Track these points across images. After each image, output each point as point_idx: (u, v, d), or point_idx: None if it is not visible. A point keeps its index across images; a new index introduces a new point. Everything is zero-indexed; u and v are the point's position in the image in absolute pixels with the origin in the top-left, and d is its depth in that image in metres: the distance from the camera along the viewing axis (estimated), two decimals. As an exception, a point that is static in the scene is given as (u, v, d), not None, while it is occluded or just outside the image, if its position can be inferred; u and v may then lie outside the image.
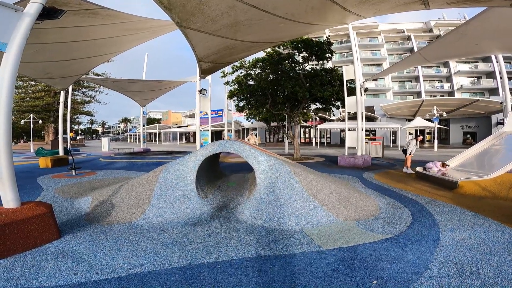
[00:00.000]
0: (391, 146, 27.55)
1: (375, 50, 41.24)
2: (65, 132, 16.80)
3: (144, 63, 18.06)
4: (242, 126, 36.48)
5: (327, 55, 12.56)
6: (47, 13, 3.56)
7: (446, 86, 38.10)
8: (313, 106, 16.87)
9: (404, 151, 8.95)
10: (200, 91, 10.75)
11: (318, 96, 12.07)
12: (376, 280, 2.37)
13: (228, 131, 21.77)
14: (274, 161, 4.82)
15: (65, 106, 13.42)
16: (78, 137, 41.39)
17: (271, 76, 12.96)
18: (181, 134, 43.63)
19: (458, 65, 37.12)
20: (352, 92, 11.59)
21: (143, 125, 20.65)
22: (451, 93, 37.33)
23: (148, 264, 2.68)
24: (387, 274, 2.46)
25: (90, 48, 8.18)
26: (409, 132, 30.86)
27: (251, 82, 13.36)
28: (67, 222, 3.86)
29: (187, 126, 43.61)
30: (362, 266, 2.62)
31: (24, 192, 5.72)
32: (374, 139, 15.58)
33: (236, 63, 12.44)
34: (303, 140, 36.32)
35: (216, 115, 34.34)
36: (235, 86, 13.65)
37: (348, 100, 10.97)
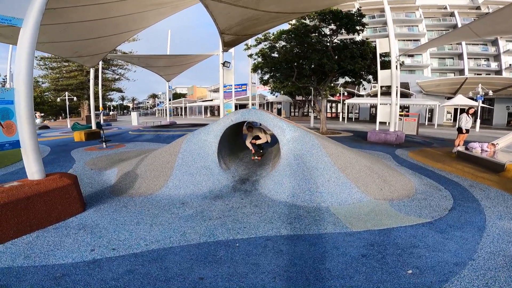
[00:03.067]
0: (426, 124, 25.71)
1: (412, 26, 38.38)
2: (97, 108, 17.56)
3: (167, 40, 17.90)
4: (266, 100, 35.90)
5: (358, 27, 11.52)
6: None
7: (493, 65, 34.69)
8: (341, 80, 15.91)
9: (460, 129, 8.03)
10: (223, 64, 10.43)
11: (348, 69, 11.26)
12: (412, 270, 2.11)
13: (252, 104, 21.44)
14: (300, 131, 4.54)
15: (96, 84, 13.85)
16: (111, 113, 43.38)
17: (297, 48, 12.18)
18: (206, 107, 44.13)
19: (508, 44, 33.45)
20: (386, 66, 10.62)
21: (169, 100, 20.99)
22: (498, 72, 34.01)
23: (164, 240, 2.64)
24: (424, 263, 2.19)
25: (114, 25, 8.17)
26: (447, 111, 28.51)
27: (275, 55, 12.72)
28: (93, 195, 3.96)
29: (211, 100, 43.83)
30: (396, 252, 2.36)
31: (57, 165, 6.01)
32: (408, 115, 14.46)
33: (260, 36, 11.84)
34: (329, 115, 35.09)
35: (240, 89, 33.91)
36: (259, 59, 13.10)
37: (381, 73, 10.06)
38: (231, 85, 13.11)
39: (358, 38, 13.02)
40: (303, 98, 15.22)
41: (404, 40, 37.86)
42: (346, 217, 3.13)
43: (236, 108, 36.02)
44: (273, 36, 12.21)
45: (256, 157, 5.56)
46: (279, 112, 34.85)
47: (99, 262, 2.28)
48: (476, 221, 2.99)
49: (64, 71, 34.97)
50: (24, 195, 2.72)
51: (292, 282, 2.00)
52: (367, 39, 12.96)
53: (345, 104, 27.94)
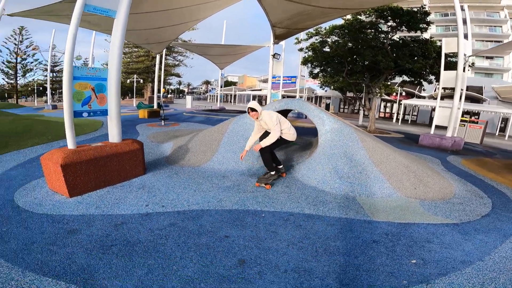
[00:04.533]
0: (496, 134, 22.60)
1: (494, 26, 33.39)
2: (159, 91, 19.48)
3: (223, 30, 18.83)
4: (315, 94, 35.20)
5: (421, 25, 10.69)
6: None
7: None
8: (398, 79, 14.94)
9: None
10: (274, 55, 10.74)
11: (406, 68, 10.61)
12: (416, 260, 2.28)
13: (300, 97, 21.39)
14: (339, 124, 4.71)
15: (160, 69, 15.42)
16: (169, 95, 47.22)
17: (350, 44, 11.84)
18: (254, 96, 45.05)
19: None
20: (452, 66, 9.73)
21: (221, 86, 22.16)
22: None
23: (203, 204, 3.18)
24: (431, 256, 2.33)
25: (177, 16, 9.13)
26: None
27: (327, 49, 12.54)
28: (152, 162, 4.75)
29: (260, 89, 44.51)
30: (407, 243, 2.52)
31: (125, 136, 7.12)
32: (475, 122, 13.03)
33: (311, 30, 11.80)
34: (382, 115, 32.94)
35: (290, 81, 33.79)
36: (310, 53, 13.06)
37: (444, 74, 9.26)
38: (280, 77, 13.39)
39: (425, 35, 12.08)
40: (354, 95, 14.74)
41: (483, 41, 33.36)
42: (370, 208, 3.31)
43: (284, 100, 36.04)
44: (325, 31, 12.05)
45: (263, 184, 3.81)
46: (327, 107, 33.95)
47: (150, 215, 2.87)
48: (505, 229, 2.92)
49: (134, 56, 39.11)
50: (106, 153, 3.50)
51: (302, 251, 2.34)
52: (431, 38, 11.93)
53: (401, 104, 25.98)
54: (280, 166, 4.18)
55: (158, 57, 14.64)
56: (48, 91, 22.67)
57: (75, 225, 2.60)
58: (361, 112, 18.27)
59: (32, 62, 42.05)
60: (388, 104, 33.14)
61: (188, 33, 36.70)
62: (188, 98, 24.81)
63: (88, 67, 3.62)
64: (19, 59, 40.11)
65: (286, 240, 2.50)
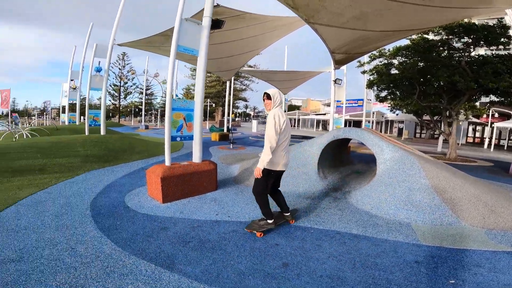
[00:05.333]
0: None
1: None
2: (228, 114, 21.49)
3: (285, 55, 19.97)
4: (385, 118, 33.05)
5: (502, 39, 9.56)
6: (214, 25, 5.03)
7: None
8: (486, 99, 13.22)
9: None
10: (335, 81, 10.99)
11: (491, 87, 9.49)
12: (455, 280, 2.29)
13: (367, 121, 20.57)
14: (400, 152, 4.72)
15: (229, 94, 17.24)
16: (236, 119, 50.93)
17: (421, 64, 11.22)
18: (318, 121, 44.70)
19: None
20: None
21: (285, 111, 23.09)
22: None
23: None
24: (473, 279, 2.30)
25: (245, 45, 10.36)
26: None
27: (394, 71, 12.11)
28: (222, 180, 5.54)
29: (324, 114, 44.06)
30: (452, 266, 2.52)
31: (221, 153, 8.31)
32: None
33: (374, 52, 11.66)
34: (470, 140, 28.61)
35: (356, 104, 32.69)
36: (374, 76, 12.79)
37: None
38: (343, 102, 13.41)
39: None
40: (431, 119, 13.58)
41: None
42: (423, 233, 3.30)
43: (349, 124, 34.72)
44: (389, 53, 11.74)
45: (254, 231, 3.17)
46: (400, 132, 31.33)
47: (219, 222, 3.53)
48: None
49: (207, 81, 44.09)
50: (190, 171, 4.45)
51: (341, 263, 2.60)
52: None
53: (493, 127, 22.30)
54: (287, 214, 3.45)
55: (228, 82, 16.45)
56: (143, 113, 27.31)
57: (165, 224, 3.42)
58: (441, 137, 16.49)
59: (131, 86, 51.01)
60: (478, 128, 28.74)
61: (253, 58, 39.76)
62: (254, 122, 26.47)
63: (181, 100, 4.73)
64: (122, 83, 48.97)
65: (328, 253, 2.80)
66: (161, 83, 33.08)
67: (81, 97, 20.25)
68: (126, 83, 50.33)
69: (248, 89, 45.96)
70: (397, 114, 25.47)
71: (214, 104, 37.95)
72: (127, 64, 48.89)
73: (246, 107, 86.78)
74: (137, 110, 52.76)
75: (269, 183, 3.19)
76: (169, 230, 3.22)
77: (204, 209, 3.99)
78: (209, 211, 3.92)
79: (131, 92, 52.07)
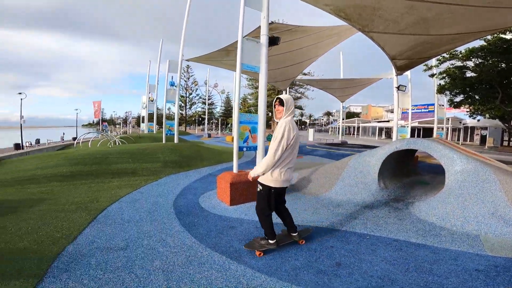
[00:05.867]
0: None
1: None
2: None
3: (340, 61, 19.50)
4: (464, 124, 29.18)
5: None
6: (271, 41, 5.41)
7: None
8: None
9: None
10: (398, 88, 10.41)
11: None
12: None
13: (440, 128, 18.59)
14: (474, 164, 4.41)
15: None
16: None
17: (502, 65, 9.87)
18: (380, 129, 41.75)
19: None
20: None
21: (342, 119, 22.43)
22: None
23: (317, 222, 3.97)
24: None
25: (298, 55, 10.71)
26: None
27: (470, 74, 10.88)
28: (282, 186, 5.94)
29: (388, 121, 40.99)
30: None
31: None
32: None
33: (444, 54, 10.64)
34: None
35: (426, 110, 29.51)
36: (446, 79, 11.65)
37: None
38: (408, 109, 12.52)
39: None
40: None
41: None
42: (492, 245, 3.11)
43: (417, 132, 31.54)
44: (461, 55, 10.59)
45: (254, 249, 2.96)
46: (483, 140, 27.29)
47: (278, 224, 3.69)
48: None
49: (262, 90, 45.44)
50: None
51: (394, 266, 2.70)
52: None
53: None
54: (295, 234, 3.14)
55: (284, 92, 16.92)
56: (205, 122, 29.69)
57: (233, 223, 3.94)
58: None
59: (195, 96, 55.73)
60: None
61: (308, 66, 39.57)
62: (310, 131, 26.32)
63: (247, 114, 5.33)
64: (187, 94, 53.85)
65: (382, 257, 2.92)
66: (220, 93, 35.59)
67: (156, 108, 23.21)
68: (190, 94, 55.25)
69: (304, 97, 45.80)
70: (478, 120, 22.41)
71: (270, 113, 39.00)
72: (191, 76, 53.78)
73: (302, 115, 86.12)
74: (200, 119, 57.22)
75: (271, 201, 2.90)
76: (236, 228, 3.72)
77: (252, 215, 4.34)
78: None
79: (195, 103, 56.89)
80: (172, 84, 13.16)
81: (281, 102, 2.82)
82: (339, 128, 26.79)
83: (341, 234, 3.55)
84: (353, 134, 49.21)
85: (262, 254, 2.94)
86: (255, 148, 5.34)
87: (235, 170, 5.03)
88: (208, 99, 49.32)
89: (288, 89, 19.83)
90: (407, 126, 13.89)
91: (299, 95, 45.44)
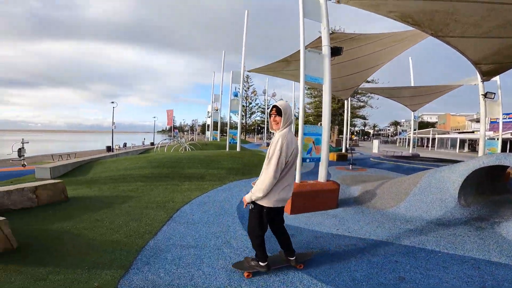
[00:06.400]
0: None
1: None
2: (347, 133, 20.99)
3: (409, 67, 17.75)
4: None
5: None
6: (334, 52, 5.37)
7: None
8: None
9: None
10: (485, 95, 9.02)
11: None
12: None
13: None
14: None
15: (347, 114, 16.97)
16: (354, 138, 48.45)
17: None
18: (462, 141, 36.35)
19: None
20: None
21: (414, 130, 20.32)
22: None
23: (382, 236, 3.79)
24: None
25: (361, 64, 10.24)
26: None
27: None
28: (342, 200, 5.76)
29: (472, 132, 35.46)
30: None
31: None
32: None
33: None
34: None
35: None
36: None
37: None
38: (498, 119, 10.69)
39: None
40: None
41: None
42: None
43: (507, 146, 26.56)
44: None
45: (243, 270, 2.71)
46: None
47: (338, 236, 3.81)
48: None
49: (321, 100, 44.31)
50: (316, 189, 5.02)
51: (467, 284, 2.48)
52: None
53: None
54: (292, 258, 2.80)
55: (346, 102, 16.22)
56: (264, 131, 30.35)
57: (292, 232, 4.00)
58: None
59: (254, 106, 57.60)
60: None
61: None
62: (375, 142, 24.58)
63: (311, 126, 5.45)
64: (247, 103, 55.99)
65: (455, 274, 2.67)
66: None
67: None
68: (250, 103, 57.39)
69: (367, 106, 43.07)
70: None
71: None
72: (251, 86, 55.85)
73: (365, 125, 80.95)
74: (258, 128, 58.82)
75: (263, 221, 2.56)
76: (296, 237, 3.79)
77: (325, 223, 4.39)
78: (330, 225, 4.28)
79: (254, 112, 58.84)
80: (236, 95, 14.02)
81: (279, 111, 2.43)
82: (409, 139, 24.35)
83: (407, 250, 3.36)
84: (427, 146, 44.00)
85: (250, 275, 2.67)
86: (318, 160, 5.37)
87: (297, 180, 5.13)
88: (267, 108, 50.37)
89: (349, 98, 19.05)
90: (497, 138, 11.82)
91: (361, 104, 43.00)
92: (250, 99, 56.16)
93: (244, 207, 2.65)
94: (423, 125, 51.84)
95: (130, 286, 2.44)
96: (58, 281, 2.45)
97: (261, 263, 2.65)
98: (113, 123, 23.79)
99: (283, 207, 2.64)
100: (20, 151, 12.07)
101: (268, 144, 27.92)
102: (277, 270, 2.78)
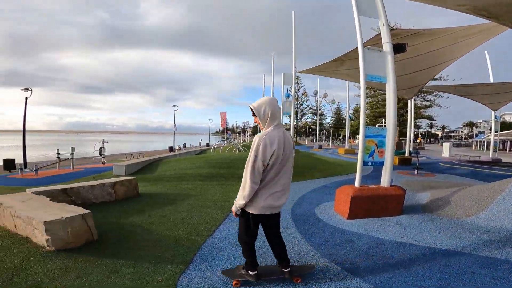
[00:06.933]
0: None
1: None
2: (406, 135, 19.12)
3: (487, 62, 15.19)
4: None
5: None
6: (397, 49, 4.99)
7: None
8: None
9: None
10: None
11: None
12: None
13: None
14: None
15: (407, 111, 15.46)
16: (418, 140, 43.81)
17: None
18: None
19: None
20: None
21: (495, 131, 17.47)
22: None
23: (457, 247, 3.41)
24: None
25: (425, 61, 9.21)
26: None
27: None
28: (407, 206, 5.26)
29: None
30: None
31: (379, 181, 8.13)
32: None
33: None
34: None
35: None
36: None
37: None
38: None
39: None
40: None
41: None
42: None
43: None
44: None
45: (231, 277, 2.58)
46: None
47: (404, 244, 3.52)
48: None
49: (380, 99, 40.91)
50: (378, 194, 4.71)
51: None
52: None
53: None
54: (286, 270, 2.50)
55: (409, 101, 14.74)
56: (316, 133, 29.54)
57: (351, 237, 3.81)
58: None
59: (305, 107, 56.40)
60: None
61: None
62: (446, 145, 21.80)
63: (373, 127, 5.13)
64: (297, 105, 55.01)
65: None
66: (330, 103, 34.72)
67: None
68: (301, 104, 56.40)
69: (434, 105, 38.30)
70: None
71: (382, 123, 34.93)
72: (301, 87, 54.67)
73: (431, 126, 72.53)
74: (310, 130, 57.56)
75: (250, 228, 2.36)
76: (354, 242, 3.59)
77: (388, 230, 4.08)
78: (393, 232, 3.97)
79: (305, 113, 57.69)
80: (288, 96, 13.95)
81: (253, 111, 2.24)
82: (488, 142, 21.00)
83: (487, 261, 2.99)
84: (510, 150, 37.45)
85: (238, 284, 2.47)
86: (381, 163, 5.01)
87: (357, 184, 4.87)
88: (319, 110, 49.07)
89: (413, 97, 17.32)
90: None
91: (427, 103, 38.49)
92: (301, 100, 55.19)
93: (234, 215, 2.41)
94: (505, 125, 44.11)
95: (189, 282, 2.52)
96: (128, 275, 2.62)
97: (250, 272, 2.44)
98: (175, 125, 25.94)
99: (277, 213, 2.41)
100: (101, 150, 13.98)
101: (320, 147, 27.02)
102: (334, 275, 2.68)
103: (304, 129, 61.98)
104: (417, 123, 44.93)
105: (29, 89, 12.59)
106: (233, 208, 2.32)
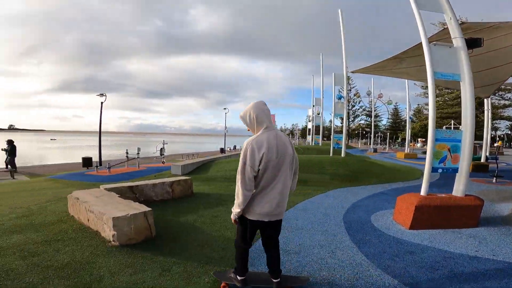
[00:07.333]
0: None
1: None
2: (481, 138, 16.64)
3: None
4: None
5: None
6: (471, 44, 4.49)
7: None
8: None
9: None
10: None
11: None
12: None
13: None
14: None
15: (482, 112, 13.44)
16: (495, 144, 37.70)
17: None
18: None
19: None
20: None
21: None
22: None
23: None
24: None
25: (503, 56, 8.03)
26: None
27: None
28: (484, 218, 4.59)
29: None
30: None
31: (444, 189, 7.18)
32: None
33: None
34: None
35: None
36: None
37: None
38: None
39: None
40: None
41: None
42: None
43: None
44: None
45: (221, 278, 2.56)
46: None
47: (478, 258, 3.16)
48: None
49: (447, 98, 36.34)
50: (449, 204, 4.24)
51: None
52: None
53: None
54: (276, 280, 2.35)
55: (486, 101, 12.84)
56: (371, 135, 27.63)
57: (412, 248, 3.46)
58: None
59: (358, 109, 53.24)
60: None
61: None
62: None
63: (445, 131, 4.61)
64: (350, 106, 52.17)
65: None
66: (386, 103, 32.02)
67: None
68: (353, 106, 53.40)
69: (516, 104, 32.56)
70: None
71: (460, 126, 30.70)
72: (353, 88, 51.65)
73: (511, 128, 61.79)
74: (363, 132, 54.15)
75: (246, 233, 2.28)
76: (415, 254, 3.25)
77: (459, 243, 3.66)
78: (465, 246, 3.57)
79: (358, 115, 54.48)
80: (340, 98, 13.37)
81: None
82: None
83: None
84: None
85: (226, 286, 2.45)
86: (454, 170, 4.45)
87: (423, 192, 4.41)
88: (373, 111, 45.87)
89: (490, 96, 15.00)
90: None
91: (507, 102, 32.90)
92: (353, 101, 52.27)
93: (233, 223, 2.37)
94: None
95: (234, 286, 2.47)
96: (178, 274, 2.66)
97: (238, 277, 2.40)
98: (226, 127, 27.01)
99: (277, 220, 2.29)
100: (161, 150, 15.28)
101: (375, 150, 25.20)
102: (393, 287, 2.42)
103: (356, 132, 58.63)
104: (495, 125, 38.79)
105: (104, 94, 14.43)
106: (232, 216, 2.30)
